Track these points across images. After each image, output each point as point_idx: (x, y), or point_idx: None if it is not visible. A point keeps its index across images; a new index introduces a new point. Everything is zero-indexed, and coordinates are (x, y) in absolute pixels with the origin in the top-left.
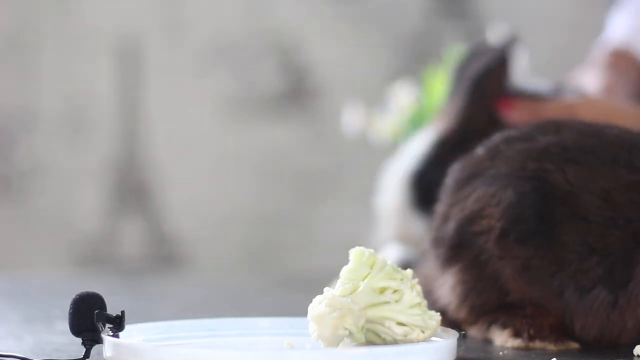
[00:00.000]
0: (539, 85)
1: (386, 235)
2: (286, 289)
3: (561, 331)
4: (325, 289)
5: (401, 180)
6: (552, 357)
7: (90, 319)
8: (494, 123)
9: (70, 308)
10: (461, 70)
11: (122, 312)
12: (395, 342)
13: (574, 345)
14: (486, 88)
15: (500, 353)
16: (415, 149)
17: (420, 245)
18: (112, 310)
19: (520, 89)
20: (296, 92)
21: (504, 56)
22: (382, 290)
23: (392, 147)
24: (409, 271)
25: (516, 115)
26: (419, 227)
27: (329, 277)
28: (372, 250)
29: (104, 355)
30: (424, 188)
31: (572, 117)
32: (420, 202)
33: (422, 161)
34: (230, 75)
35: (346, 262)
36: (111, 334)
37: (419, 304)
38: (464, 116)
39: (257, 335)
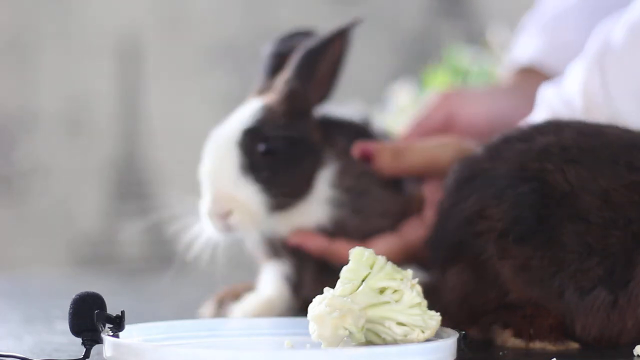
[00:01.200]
0: (349, 114)
1: (210, 207)
2: None
3: (561, 331)
4: (325, 289)
5: (228, 140)
6: (552, 357)
7: (90, 319)
8: (321, 101)
9: (70, 308)
10: (281, 44)
11: (122, 312)
12: (395, 342)
13: (574, 345)
14: (317, 66)
15: (500, 353)
16: (240, 115)
17: (253, 216)
18: (112, 310)
19: (332, 117)
20: None
21: (341, 37)
22: (382, 291)
23: None
24: (409, 271)
25: (380, 163)
26: (250, 194)
27: None
28: (372, 250)
29: (104, 355)
30: (257, 149)
31: (434, 163)
32: (252, 164)
33: (252, 121)
34: (230, 75)
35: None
36: (111, 334)
37: (419, 304)
38: (289, 91)
39: (257, 335)
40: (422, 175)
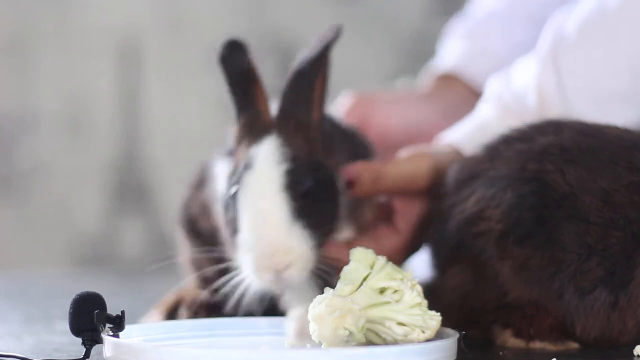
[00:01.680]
0: None
1: (267, 263)
2: None
3: (561, 331)
4: (326, 289)
5: (270, 187)
6: (552, 357)
7: (90, 319)
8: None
9: (71, 308)
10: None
11: (122, 312)
12: (395, 342)
13: (574, 345)
14: (313, 87)
15: (500, 353)
16: (264, 157)
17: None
18: (112, 310)
19: None
20: None
21: (328, 51)
22: (383, 291)
23: None
24: (410, 271)
25: (360, 187)
26: (304, 243)
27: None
28: (372, 250)
29: (104, 355)
30: (299, 192)
31: (411, 182)
32: (299, 209)
33: (286, 161)
34: None
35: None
36: (111, 334)
37: (420, 304)
38: (298, 123)
39: (257, 335)
40: (399, 192)
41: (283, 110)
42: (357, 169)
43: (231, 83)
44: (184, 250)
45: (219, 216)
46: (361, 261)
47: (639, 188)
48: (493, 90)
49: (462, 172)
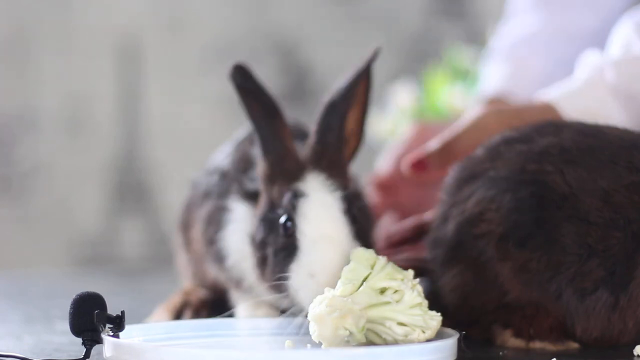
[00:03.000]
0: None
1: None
2: None
3: (561, 331)
4: (326, 289)
5: (332, 210)
6: (552, 357)
7: (90, 319)
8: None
9: (71, 308)
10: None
11: (122, 312)
12: (395, 342)
13: (574, 345)
14: (342, 115)
15: (500, 353)
16: (316, 185)
17: None
18: (112, 310)
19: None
20: (296, 92)
21: (366, 75)
22: (383, 291)
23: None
24: (410, 271)
25: (437, 157)
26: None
27: None
28: (372, 251)
29: (104, 355)
30: (354, 215)
31: (484, 136)
32: (356, 233)
33: (339, 189)
34: None
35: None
36: (111, 334)
37: (420, 304)
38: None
39: (257, 335)
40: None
41: (315, 149)
42: (423, 149)
43: (254, 118)
44: (181, 253)
45: (236, 254)
46: (361, 261)
47: (639, 188)
48: (583, 61)
49: (462, 171)
